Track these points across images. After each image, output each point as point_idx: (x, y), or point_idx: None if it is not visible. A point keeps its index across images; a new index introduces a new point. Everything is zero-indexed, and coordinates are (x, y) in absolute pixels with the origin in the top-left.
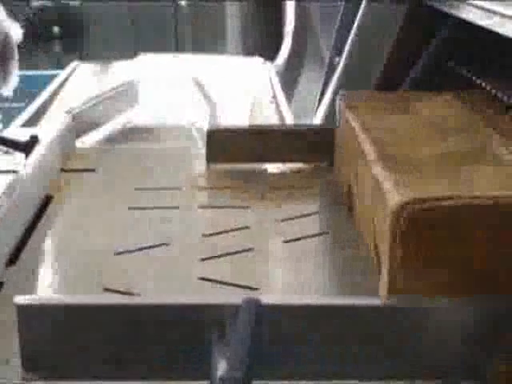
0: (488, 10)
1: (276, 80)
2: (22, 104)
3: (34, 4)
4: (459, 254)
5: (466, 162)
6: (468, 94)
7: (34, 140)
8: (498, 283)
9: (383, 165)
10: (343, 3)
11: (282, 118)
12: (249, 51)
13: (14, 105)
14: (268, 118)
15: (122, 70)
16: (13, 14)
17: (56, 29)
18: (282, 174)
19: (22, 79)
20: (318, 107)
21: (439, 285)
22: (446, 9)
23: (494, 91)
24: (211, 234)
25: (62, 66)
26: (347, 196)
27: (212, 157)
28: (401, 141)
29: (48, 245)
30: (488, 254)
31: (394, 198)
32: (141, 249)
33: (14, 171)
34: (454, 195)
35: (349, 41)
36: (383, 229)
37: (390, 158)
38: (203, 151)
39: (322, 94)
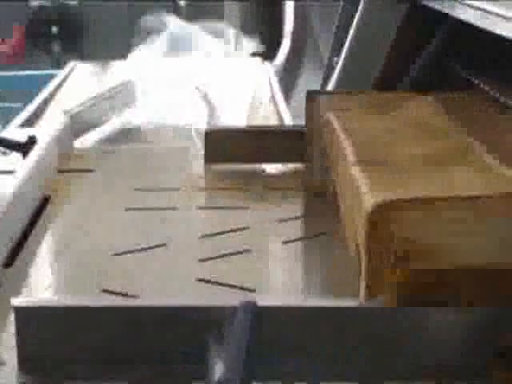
0: (485, 11)
1: (275, 80)
2: (21, 104)
3: (33, 4)
4: (431, 254)
5: (444, 163)
6: (455, 94)
7: (31, 140)
8: (473, 281)
9: (361, 166)
10: (341, 3)
11: (280, 118)
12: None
13: (13, 105)
14: (267, 118)
15: (120, 70)
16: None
17: (54, 29)
18: (281, 175)
19: (21, 79)
20: None
21: (415, 284)
22: (443, 9)
23: (491, 92)
24: (210, 235)
25: (60, 66)
26: (333, 196)
27: (210, 157)
28: (381, 142)
29: (45, 246)
30: (462, 254)
31: (370, 199)
32: (139, 250)
33: (11, 172)
34: (428, 196)
35: (347, 41)
36: (361, 229)
37: (368, 159)
38: (202, 152)
39: None
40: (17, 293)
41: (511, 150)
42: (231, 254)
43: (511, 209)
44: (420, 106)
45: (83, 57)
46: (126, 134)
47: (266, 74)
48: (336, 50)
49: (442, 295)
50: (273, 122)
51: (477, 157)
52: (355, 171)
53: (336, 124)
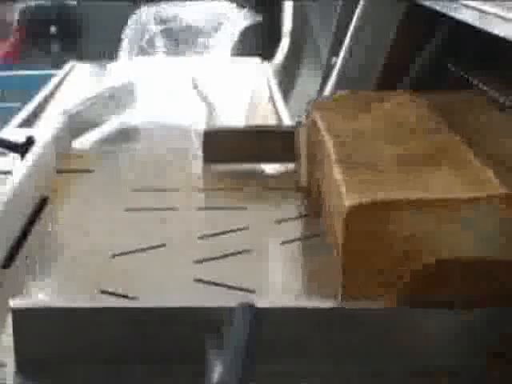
0: (483, 11)
1: (273, 80)
2: (19, 104)
3: (32, 3)
4: (410, 255)
5: (427, 163)
6: (447, 94)
7: (29, 141)
8: (447, 281)
9: (341, 166)
10: (340, 3)
11: (279, 118)
12: (247, 51)
13: (12, 104)
14: (265, 118)
15: (119, 71)
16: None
17: (53, 28)
18: (280, 175)
19: (19, 79)
20: None
21: (389, 285)
22: (442, 9)
23: (490, 92)
24: (209, 236)
25: (59, 66)
26: (316, 195)
27: (209, 157)
28: (364, 142)
29: (44, 246)
30: (439, 255)
31: (347, 200)
32: (138, 250)
33: (9, 172)
34: (404, 198)
35: (346, 41)
36: (338, 229)
37: (349, 160)
38: (200, 152)
39: (320, 94)
40: (15, 294)
41: (496, 150)
42: (230, 255)
43: (479, 211)
44: (409, 106)
45: (82, 57)
46: (125, 134)
47: (264, 74)
48: (335, 49)
49: (442, 295)
50: (271, 121)
51: (459, 157)
52: (335, 171)
53: (320, 124)
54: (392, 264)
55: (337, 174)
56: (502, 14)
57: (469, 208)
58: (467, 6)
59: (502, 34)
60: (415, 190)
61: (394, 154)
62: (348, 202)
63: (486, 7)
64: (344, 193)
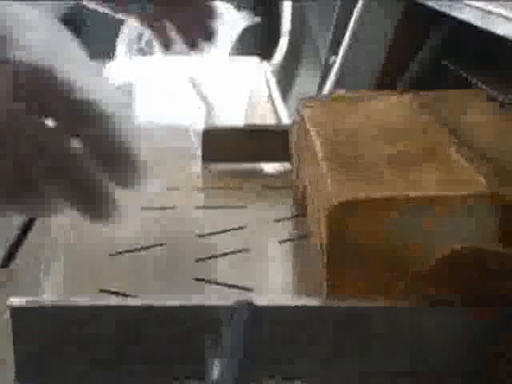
0: (483, 10)
1: (272, 79)
2: None
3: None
4: (393, 254)
5: (413, 162)
6: (440, 93)
7: None
8: (432, 282)
9: (328, 164)
10: (339, 2)
11: (278, 117)
12: (246, 50)
13: None
14: (264, 117)
15: (117, 70)
16: None
17: None
18: (278, 174)
19: None
20: None
21: (375, 284)
22: (441, 9)
23: (490, 91)
24: (208, 234)
25: None
26: (302, 195)
27: (208, 157)
28: (353, 141)
29: (42, 246)
30: (423, 254)
31: (331, 198)
32: (136, 249)
33: None
34: (387, 196)
35: (345, 40)
36: (323, 227)
37: (336, 158)
38: (199, 151)
39: (319, 93)
40: (14, 293)
41: (485, 149)
42: (229, 254)
43: (465, 210)
44: (402, 106)
45: None
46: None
47: (263, 73)
48: (334, 48)
49: (442, 295)
50: (270, 121)
51: (448, 156)
52: (322, 169)
53: (308, 123)
54: (389, 264)
55: (324, 171)
56: (503, 12)
57: (468, 206)
58: (467, 5)
59: (501, 33)
60: (407, 188)
61: (384, 153)
62: (332, 199)
63: (490, 7)
64: (329, 192)
